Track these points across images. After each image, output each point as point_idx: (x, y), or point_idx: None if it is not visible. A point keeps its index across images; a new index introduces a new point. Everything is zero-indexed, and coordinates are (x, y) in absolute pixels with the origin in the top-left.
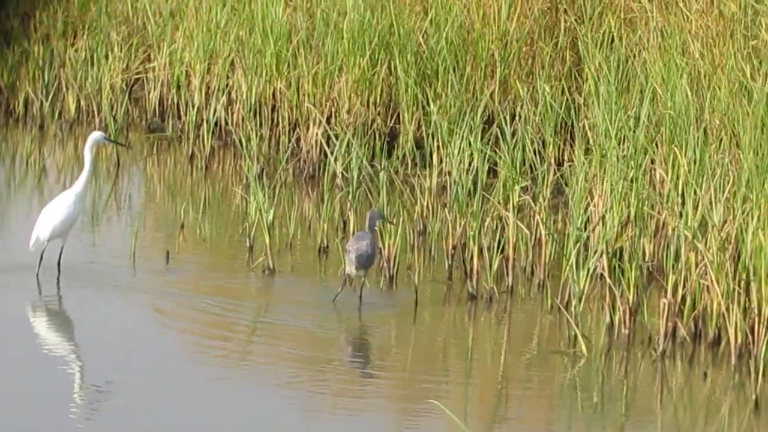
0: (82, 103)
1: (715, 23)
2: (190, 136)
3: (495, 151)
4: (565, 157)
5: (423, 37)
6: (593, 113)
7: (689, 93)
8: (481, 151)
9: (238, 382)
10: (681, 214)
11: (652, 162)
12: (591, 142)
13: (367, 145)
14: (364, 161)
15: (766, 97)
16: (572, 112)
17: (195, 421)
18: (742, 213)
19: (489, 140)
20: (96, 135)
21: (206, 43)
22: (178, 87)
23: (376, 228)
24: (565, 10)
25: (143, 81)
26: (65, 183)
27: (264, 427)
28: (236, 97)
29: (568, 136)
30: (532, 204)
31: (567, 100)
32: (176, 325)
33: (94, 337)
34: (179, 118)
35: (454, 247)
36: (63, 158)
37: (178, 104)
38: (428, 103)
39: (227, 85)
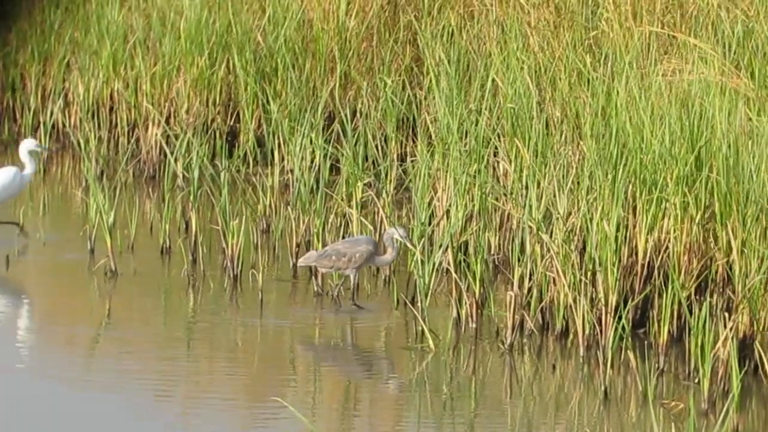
0: None
1: (551, 16)
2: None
3: (337, 148)
4: (408, 152)
5: (261, 35)
6: (435, 107)
7: (530, 85)
8: (323, 148)
9: (80, 387)
10: (525, 206)
11: (495, 155)
12: (433, 136)
13: (207, 145)
14: (205, 161)
15: (606, 86)
16: (414, 107)
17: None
18: (587, 203)
19: (331, 137)
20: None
21: (40, 44)
22: (13, 90)
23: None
24: (404, 6)
25: None
26: None
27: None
28: (73, 98)
29: (411, 131)
30: (376, 200)
31: (408, 95)
32: (17, 328)
33: None
34: (15, 121)
35: (298, 245)
36: None
37: (13, 107)
38: (268, 102)
39: (64, 87)
